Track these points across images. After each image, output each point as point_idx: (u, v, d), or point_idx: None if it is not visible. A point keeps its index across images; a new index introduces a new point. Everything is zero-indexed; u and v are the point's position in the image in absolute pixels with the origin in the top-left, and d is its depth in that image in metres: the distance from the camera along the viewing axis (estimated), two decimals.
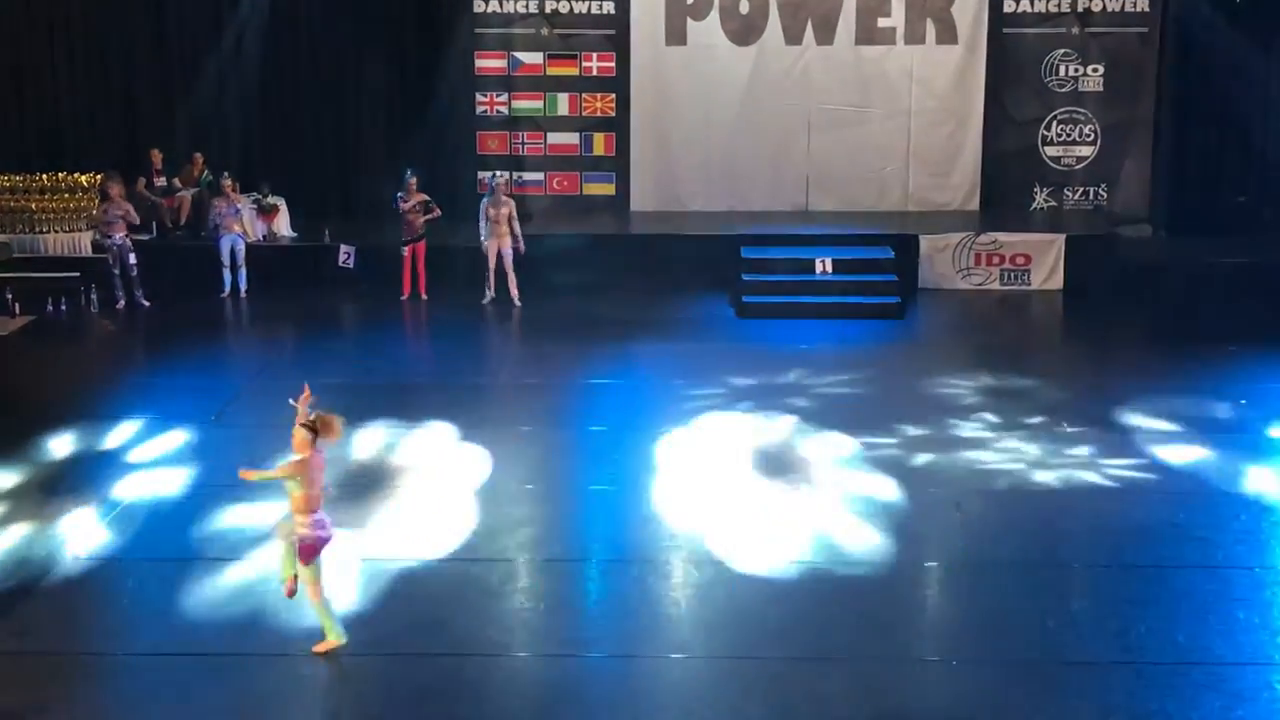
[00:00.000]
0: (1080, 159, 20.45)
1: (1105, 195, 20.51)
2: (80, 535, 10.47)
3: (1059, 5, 20.08)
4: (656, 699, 8.34)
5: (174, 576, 9.72)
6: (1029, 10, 20.10)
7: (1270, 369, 14.79)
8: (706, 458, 12.14)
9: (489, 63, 20.36)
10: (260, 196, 19.16)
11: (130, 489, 11.36)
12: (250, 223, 18.82)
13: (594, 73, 20.40)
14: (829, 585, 9.66)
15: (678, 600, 9.57)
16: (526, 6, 20.23)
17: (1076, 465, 11.91)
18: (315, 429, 8.47)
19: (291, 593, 8.71)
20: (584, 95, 20.45)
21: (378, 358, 15.67)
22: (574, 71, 20.41)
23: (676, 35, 20.18)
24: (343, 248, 18.59)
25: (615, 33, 20.25)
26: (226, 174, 18.55)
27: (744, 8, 20.05)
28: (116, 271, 17.63)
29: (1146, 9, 19.94)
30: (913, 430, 12.76)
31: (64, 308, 17.51)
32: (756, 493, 11.36)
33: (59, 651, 8.83)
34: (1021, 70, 20.21)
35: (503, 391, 14.68)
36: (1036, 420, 13.10)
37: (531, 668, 8.64)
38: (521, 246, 17.54)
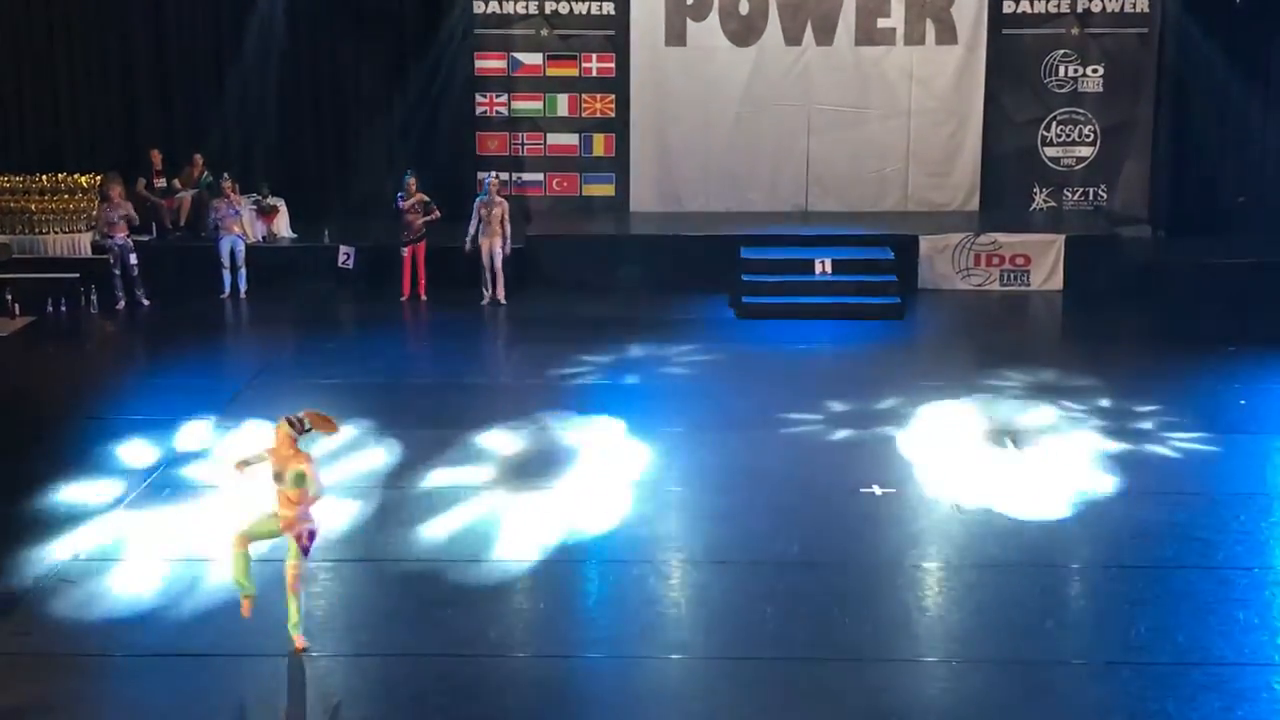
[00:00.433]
0: (1080, 159, 20.42)
1: (1105, 196, 20.47)
2: (80, 535, 10.46)
3: (1058, 6, 20.04)
4: (656, 699, 8.35)
5: (174, 576, 9.72)
6: (1028, 11, 20.07)
7: (1270, 369, 14.80)
8: (714, 462, 12.16)
9: (489, 63, 20.32)
10: (260, 197, 19.13)
11: (130, 489, 11.36)
12: (250, 224, 18.79)
13: (594, 74, 20.36)
14: (829, 585, 9.66)
15: (677, 600, 9.57)
16: (526, 7, 20.20)
17: (1076, 465, 11.92)
18: (299, 427, 8.51)
19: (249, 612, 8.68)
20: (584, 96, 20.41)
21: (377, 358, 15.65)
22: (574, 72, 20.37)
23: (676, 36, 20.15)
24: (342, 248, 18.58)
25: (615, 33, 20.21)
26: (226, 175, 18.53)
27: (744, 8, 20.03)
28: (117, 272, 17.61)
29: (1146, 9, 19.90)
30: (912, 429, 12.79)
31: (64, 308, 17.48)
32: (747, 493, 11.35)
33: (59, 651, 8.83)
34: (1021, 71, 20.18)
35: (503, 391, 14.67)
36: (1036, 420, 13.11)
37: (532, 668, 8.64)
38: (508, 249, 17.56)
